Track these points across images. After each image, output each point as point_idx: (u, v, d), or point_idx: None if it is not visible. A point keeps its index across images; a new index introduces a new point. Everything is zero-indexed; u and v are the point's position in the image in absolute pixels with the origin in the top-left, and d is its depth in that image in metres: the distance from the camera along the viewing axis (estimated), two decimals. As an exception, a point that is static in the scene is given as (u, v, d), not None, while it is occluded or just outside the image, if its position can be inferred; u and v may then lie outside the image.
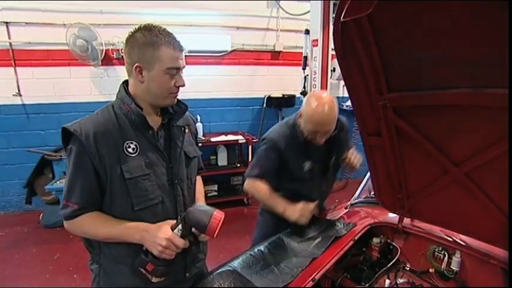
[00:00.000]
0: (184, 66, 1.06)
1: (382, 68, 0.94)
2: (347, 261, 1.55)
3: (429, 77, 0.90)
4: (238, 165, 4.14)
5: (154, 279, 1.02)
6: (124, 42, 1.04)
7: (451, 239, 1.42)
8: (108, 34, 3.49)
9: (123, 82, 1.11)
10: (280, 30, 4.22)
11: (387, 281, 1.42)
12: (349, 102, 3.94)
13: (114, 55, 3.58)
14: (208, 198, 3.95)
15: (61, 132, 1.01)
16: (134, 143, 1.04)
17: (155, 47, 0.98)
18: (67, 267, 2.74)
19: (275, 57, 4.34)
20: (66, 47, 3.37)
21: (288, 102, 4.12)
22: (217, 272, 1.29)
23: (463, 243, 1.38)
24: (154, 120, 1.11)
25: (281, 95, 4.13)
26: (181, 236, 1.01)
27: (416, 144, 1.11)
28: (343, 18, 0.81)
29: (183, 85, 1.07)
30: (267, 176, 1.59)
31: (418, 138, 1.07)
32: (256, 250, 1.40)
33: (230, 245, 2.87)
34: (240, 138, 3.96)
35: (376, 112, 1.08)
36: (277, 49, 4.26)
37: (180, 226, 1.01)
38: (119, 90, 1.09)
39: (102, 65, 3.60)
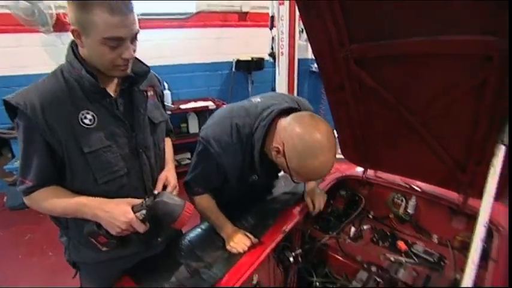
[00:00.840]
0: (135, 34, 0.89)
1: (344, 19, 0.91)
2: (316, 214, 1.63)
3: (388, 26, 0.89)
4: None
5: (104, 249, 0.98)
6: None
7: (408, 186, 1.51)
8: (57, -5, 3.11)
9: (72, 42, 0.96)
10: (246, -11, 3.99)
11: (352, 229, 1.51)
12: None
13: (68, 20, 3.22)
14: (181, 166, 3.92)
15: (3, 106, 0.89)
16: (91, 112, 0.93)
17: (88, 10, 0.81)
18: (40, 247, 2.64)
19: (242, 18, 4.14)
20: (6, 10, 2.97)
21: (257, 65, 4.01)
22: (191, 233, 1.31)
23: (418, 189, 1.49)
24: (112, 86, 1.00)
25: (250, 58, 4.01)
26: (142, 220, 0.95)
27: (377, 96, 1.12)
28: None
29: (131, 58, 0.92)
30: (211, 188, 1.30)
31: (379, 89, 1.08)
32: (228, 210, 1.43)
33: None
34: (210, 104, 3.86)
35: (338, 65, 1.07)
36: (244, 10, 4.04)
37: (144, 211, 0.94)
38: (68, 52, 0.95)
39: (55, 31, 3.22)
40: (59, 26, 3.24)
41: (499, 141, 0.88)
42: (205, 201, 1.28)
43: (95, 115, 0.94)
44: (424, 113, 1.08)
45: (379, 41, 0.93)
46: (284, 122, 1.08)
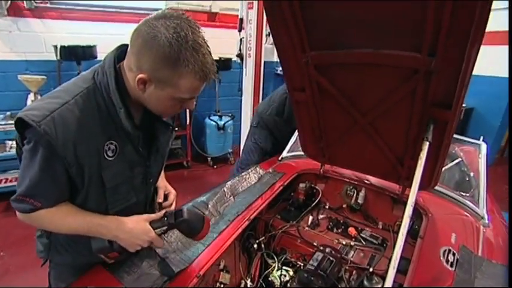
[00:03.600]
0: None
1: (305, 29, 1.05)
2: (278, 206, 1.77)
3: (343, 38, 1.04)
4: (177, 128, 4.08)
5: (110, 262, 1.00)
6: (138, 29, 0.75)
7: (358, 179, 1.72)
8: (13, -22, 2.93)
9: (116, 54, 0.83)
10: (216, -10, 4.07)
11: (310, 218, 1.68)
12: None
13: (25, 5, 3.04)
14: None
15: (17, 120, 0.77)
16: (114, 143, 0.86)
17: (176, 69, 0.73)
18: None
19: (211, 18, 4.21)
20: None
21: (224, 64, 4.09)
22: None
23: (367, 182, 1.70)
24: (138, 116, 0.92)
25: (218, 58, 4.08)
26: (159, 235, 0.96)
27: (333, 98, 1.28)
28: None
29: (192, 109, 0.91)
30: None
31: (334, 92, 1.24)
32: (199, 201, 1.51)
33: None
34: (177, 101, 3.87)
35: (300, 69, 1.21)
36: (213, 10, 4.11)
37: (164, 228, 0.96)
38: (106, 74, 0.81)
39: (9, 15, 3.03)
40: (14, 10, 3.07)
41: (425, 139, 1.07)
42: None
43: (117, 146, 0.87)
44: (371, 114, 1.27)
45: (335, 50, 1.09)
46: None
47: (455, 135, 2.27)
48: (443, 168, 1.89)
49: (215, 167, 4.33)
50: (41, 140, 0.76)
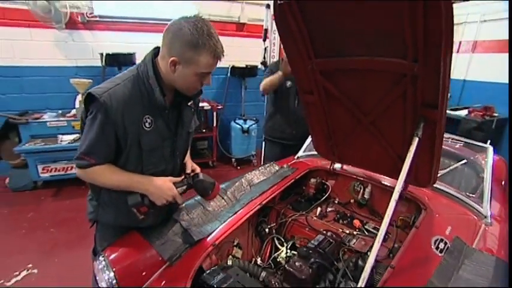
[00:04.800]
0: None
1: (309, 39, 1.25)
2: (290, 198, 1.95)
3: (342, 47, 1.22)
4: (204, 130, 4.39)
5: (141, 217, 1.20)
6: (168, 28, 1.06)
7: (365, 176, 1.85)
8: (72, -4, 3.42)
9: (154, 52, 1.14)
10: (245, 2, 4.36)
11: (319, 210, 1.84)
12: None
13: (79, 19, 3.53)
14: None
15: (86, 96, 1.09)
16: (150, 118, 1.14)
17: (197, 50, 1.02)
18: (42, 224, 2.88)
19: (239, 28, 4.51)
20: (25, 7, 3.26)
21: (250, 72, 4.36)
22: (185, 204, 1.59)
23: (373, 178, 1.83)
24: (169, 98, 1.20)
25: (244, 65, 4.36)
26: (181, 194, 1.25)
27: (338, 100, 1.45)
28: (279, 1, 1.10)
29: (209, 84, 1.17)
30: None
31: (338, 94, 1.41)
32: (220, 187, 1.74)
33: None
34: (205, 105, 4.18)
35: (307, 74, 1.40)
36: (241, 21, 4.42)
37: (184, 187, 1.24)
38: (146, 65, 1.12)
39: (66, 28, 3.53)
40: (71, 24, 3.57)
41: (415, 135, 1.22)
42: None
43: (152, 120, 1.15)
44: (372, 114, 1.42)
45: (336, 57, 1.27)
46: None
47: (465, 140, 2.33)
48: (450, 169, 1.99)
49: (238, 167, 4.55)
50: (100, 109, 1.05)
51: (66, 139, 3.37)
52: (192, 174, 1.33)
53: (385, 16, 1.01)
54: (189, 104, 1.29)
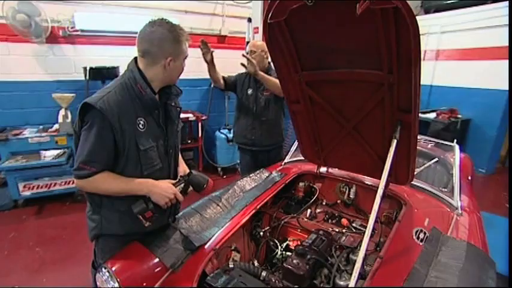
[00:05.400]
0: None
1: (296, 54, 1.37)
2: (281, 202, 2.04)
3: (325, 61, 1.35)
4: (189, 141, 4.43)
5: (147, 224, 1.26)
6: (144, 39, 1.22)
7: (349, 177, 1.99)
8: (52, 11, 3.39)
9: (134, 60, 1.28)
10: (226, 16, 4.50)
11: (309, 211, 1.94)
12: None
13: (61, 33, 3.50)
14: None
15: (81, 106, 1.16)
16: (143, 119, 1.24)
17: (181, 43, 1.24)
18: (26, 243, 2.78)
19: (221, 41, 4.63)
20: (3, 21, 3.19)
21: (233, 83, 4.46)
22: (182, 213, 1.65)
23: (357, 179, 1.97)
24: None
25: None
26: (181, 192, 1.35)
27: (323, 108, 1.58)
28: (269, 20, 1.21)
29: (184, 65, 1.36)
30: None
31: (323, 103, 1.54)
32: (214, 195, 1.80)
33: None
34: (190, 116, 4.23)
35: (294, 85, 1.52)
36: (223, 33, 4.54)
37: (182, 185, 1.36)
38: (131, 71, 1.25)
39: (46, 42, 3.49)
40: (52, 38, 3.52)
41: (393, 137, 1.36)
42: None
43: (145, 121, 1.25)
44: (354, 120, 1.56)
45: (320, 70, 1.40)
46: None
47: (434, 139, 2.55)
48: (424, 167, 2.17)
49: (224, 176, 4.61)
50: (97, 116, 1.13)
51: (49, 155, 3.30)
52: (186, 173, 1.45)
53: (362, 35, 1.15)
54: (172, 104, 1.40)
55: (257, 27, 3.50)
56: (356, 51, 1.22)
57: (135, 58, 1.29)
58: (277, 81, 2.39)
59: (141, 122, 1.24)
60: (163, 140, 1.35)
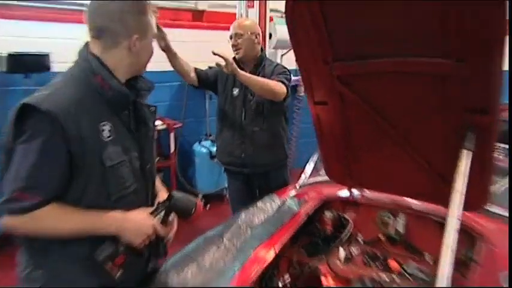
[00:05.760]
0: None
1: (328, 37, 1.39)
2: (302, 240, 2.03)
3: (365, 48, 1.38)
4: (158, 158, 4.37)
5: (118, 274, 1.19)
6: (102, 6, 1.19)
7: (394, 203, 2.01)
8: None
9: (86, 48, 1.24)
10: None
11: (341, 250, 1.94)
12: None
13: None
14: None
15: (18, 110, 1.08)
16: (108, 124, 1.20)
17: (145, 14, 1.24)
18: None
19: (198, 18, 4.63)
20: None
21: (216, 76, 4.46)
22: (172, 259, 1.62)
23: (406, 206, 1.98)
24: None
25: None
26: (162, 223, 1.31)
27: (359, 110, 1.59)
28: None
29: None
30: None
31: (360, 103, 1.56)
32: (211, 235, 1.78)
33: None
34: (158, 123, 4.17)
35: (323, 80, 1.54)
36: (199, 7, 4.53)
37: (162, 213, 1.32)
38: (85, 60, 1.21)
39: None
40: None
41: (465, 147, 1.37)
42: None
43: (112, 126, 1.20)
44: (403, 125, 1.58)
45: (359, 60, 1.42)
46: None
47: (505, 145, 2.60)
48: (500, 185, 2.20)
49: (208, 207, 4.52)
50: (42, 122, 1.07)
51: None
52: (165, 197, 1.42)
53: (420, 9, 1.18)
54: (144, 102, 1.39)
55: (252, 1, 3.52)
56: (410, 33, 1.25)
57: (87, 43, 1.26)
58: (268, 81, 2.43)
59: (106, 127, 1.19)
60: (138, 151, 1.33)
